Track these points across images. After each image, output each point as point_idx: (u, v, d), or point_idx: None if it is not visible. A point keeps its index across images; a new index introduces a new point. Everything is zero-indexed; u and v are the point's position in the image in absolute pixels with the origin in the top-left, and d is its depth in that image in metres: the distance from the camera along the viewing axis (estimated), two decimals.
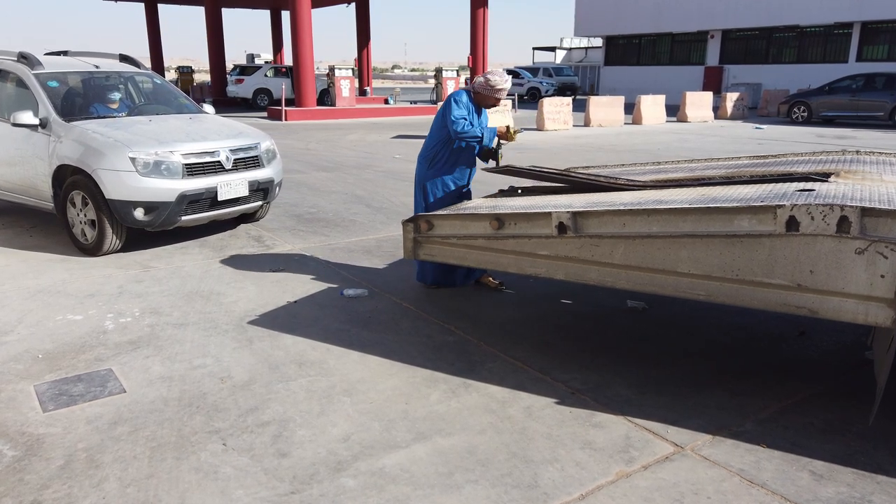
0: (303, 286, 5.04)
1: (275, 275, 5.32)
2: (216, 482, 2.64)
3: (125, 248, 5.96)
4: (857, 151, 4.99)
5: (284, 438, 2.96)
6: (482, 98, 4.70)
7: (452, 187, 4.81)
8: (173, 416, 3.14)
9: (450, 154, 4.74)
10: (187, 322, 4.31)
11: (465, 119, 4.58)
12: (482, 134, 4.58)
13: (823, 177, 3.81)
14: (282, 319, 4.37)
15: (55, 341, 3.99)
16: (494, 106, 4.75)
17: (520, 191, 4.96)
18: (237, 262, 5.68)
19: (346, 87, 22.68)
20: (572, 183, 4.61)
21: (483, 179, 5.12)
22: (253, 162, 6.26)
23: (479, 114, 4.77)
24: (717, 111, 23.42)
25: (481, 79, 4.67)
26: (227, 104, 26.88)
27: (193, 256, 5.83)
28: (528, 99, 33.50)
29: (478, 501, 2.53)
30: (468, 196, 4.91)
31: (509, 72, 35.41)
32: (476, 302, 4.77)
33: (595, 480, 2.67)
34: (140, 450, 2.85)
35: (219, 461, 2.78)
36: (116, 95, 6.62)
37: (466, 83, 5.26)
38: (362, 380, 3.53)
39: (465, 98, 4.66)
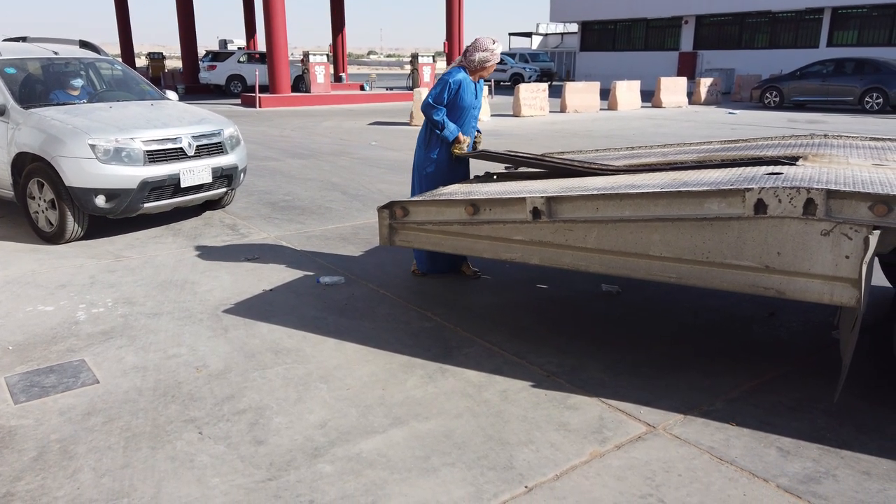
0: (278, 274, 5.01)
1: (250, 263, 5.29)
2: (192, 470, 2.63)
3: (96, 236, 5.88)
4: (826, 135, 5.08)
5: (261, 426, 2.96)
6: (483, 70, 4.67)
7: (447, 170, 4.75)
8: (148, 405, 3.12)
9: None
10: (161, 312, 4.27)
11: (441, 105, 4.55)
12: (443, 125, 4.56)
13: (792, 160, 3.88)
14: (257, 308, 4.35)
15: (26, 333, 3.93)
16: (491, 71, 4.72)
17: (495, 176, 4.97)
18: (211, 250, 5.63)
19: (320, 73, 22.45)
20: (547, 168, 4.63)
21: None
22: (216, 148, 6.20)
23: (476, 91, 4.74)
24: (692, 96, 23.61)
25: (479, 54, 4.57)
26: (199, 91, 26.46)
27: (167, 245, 5.76)
28: (512, 84, 33.40)
29: (454, 484, 2.56)
30: (466, 179, 4.88)
31: None
32: (453, 288, 4.79)
33: (569, 461, 2.71)
34: (114, 440, 2.83)
35: (195, 450, 2.77)
36: (77, 82, 6.50)
37: (461, 62, 5.25)
38: (339, 366, 3.53)
39: (459, 76, 4.59)
